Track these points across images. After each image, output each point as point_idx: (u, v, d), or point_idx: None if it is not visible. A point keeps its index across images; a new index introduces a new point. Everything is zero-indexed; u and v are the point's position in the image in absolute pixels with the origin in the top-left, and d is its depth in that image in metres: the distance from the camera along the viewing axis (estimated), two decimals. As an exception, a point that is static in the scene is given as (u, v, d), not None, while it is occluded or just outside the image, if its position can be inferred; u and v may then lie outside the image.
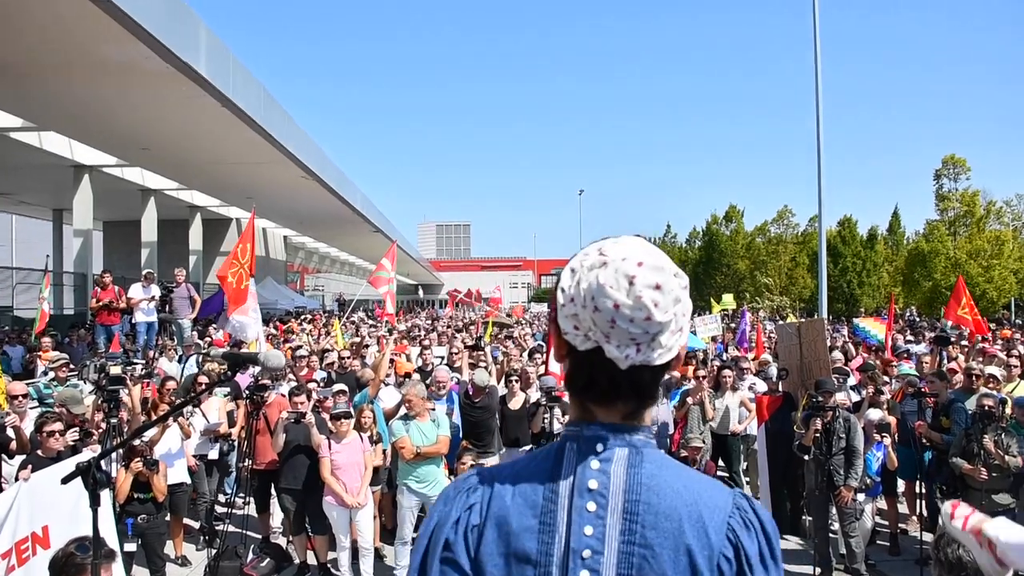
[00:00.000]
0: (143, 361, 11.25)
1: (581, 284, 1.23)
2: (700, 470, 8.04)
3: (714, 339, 16.79)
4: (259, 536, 8.20)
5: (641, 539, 1.20)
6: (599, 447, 1.26)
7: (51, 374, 9.79)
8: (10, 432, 6.50)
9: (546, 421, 8.21)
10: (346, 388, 8.52)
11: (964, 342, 13.93)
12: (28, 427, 6.85)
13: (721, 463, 10.10)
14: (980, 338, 13.62)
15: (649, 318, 1.19)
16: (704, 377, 9.95)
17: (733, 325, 22.39)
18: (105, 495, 4.07)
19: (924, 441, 8.08)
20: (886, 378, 9.93)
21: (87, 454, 5.77)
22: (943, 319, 15.27)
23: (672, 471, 1.27)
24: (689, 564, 1.20)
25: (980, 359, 10.74)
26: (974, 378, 8.09)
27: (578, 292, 1.23)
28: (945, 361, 9.87)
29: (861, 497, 7.59)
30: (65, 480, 2.81)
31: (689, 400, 9.65)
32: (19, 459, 6.46)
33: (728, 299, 31.70)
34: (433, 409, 7.74)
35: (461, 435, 8.43)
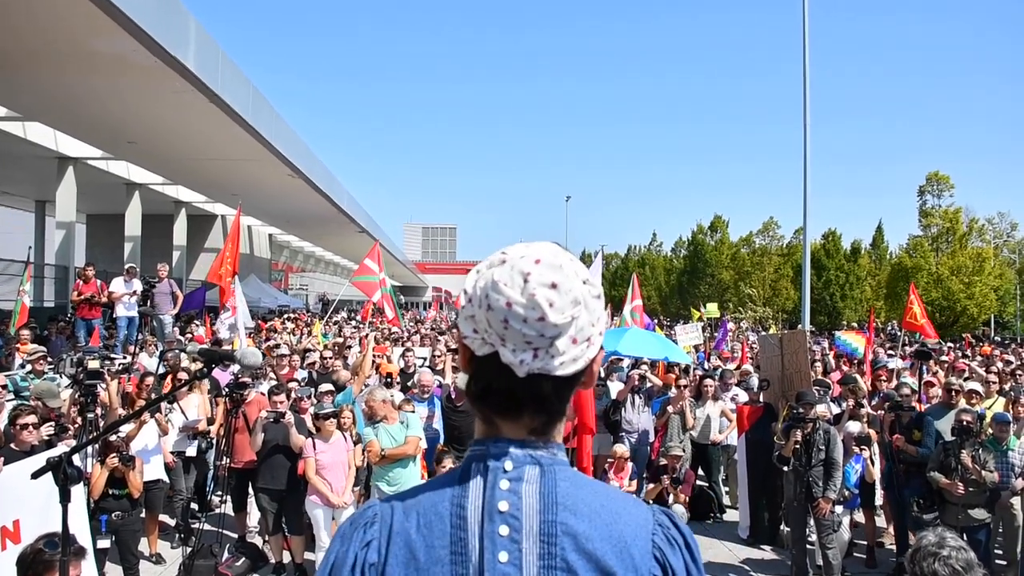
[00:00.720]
0: (122, 356, 11.16)
1: (478, 283, 1.16)
2: (679, 479, 8.11)
3: (696, 348, 16.83)
4: (235, 535, 8.14)
5: (562, 562, 1.12)
6: (507, 465, 1.17)
7: (28, 367, 9.68)
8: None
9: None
10: (332, 388, 8.50)
11: (944, 358, 14.04)
12: (2, 420, 6.76)
13: (700, 472, 10.13)
14: (960, 354, 13.74)
15: (543, 318, 1.10)
16: (685, 386, 9.97)
17: (716, 334, 22.48)
18: (78, 491, 4.03)
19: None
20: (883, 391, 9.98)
21: (61, 448, 5.70)
22: (903, 330, 15.38)
23: (588, 489, 1.19)
24: None
25: (961, 374, 10.82)
26: (953, 393, 8.14)
27: (475, 292, 1.16)
28: (925, 374, 9.92)
29: (839, 509, 7.62)
30: (36, 474, 2.76)
31: (670, 409, 9.68)
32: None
33: (712, 308, 31.83)
34: (413, 411, 7.71)
35: (441, 439, 8.39)
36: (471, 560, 1.12)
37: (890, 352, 16.00)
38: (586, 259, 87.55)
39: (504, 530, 1.13)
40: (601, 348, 1.22)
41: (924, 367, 10.07)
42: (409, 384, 9.81)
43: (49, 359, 9.89)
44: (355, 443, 7.61)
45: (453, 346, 13.50)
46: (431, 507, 1.17)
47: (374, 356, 10.60)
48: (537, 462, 1.17)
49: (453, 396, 8.65)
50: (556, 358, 1.13)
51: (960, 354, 18.21)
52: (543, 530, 1.13)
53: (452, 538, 1.14)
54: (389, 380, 9.48)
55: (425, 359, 12.19)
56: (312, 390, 8.67)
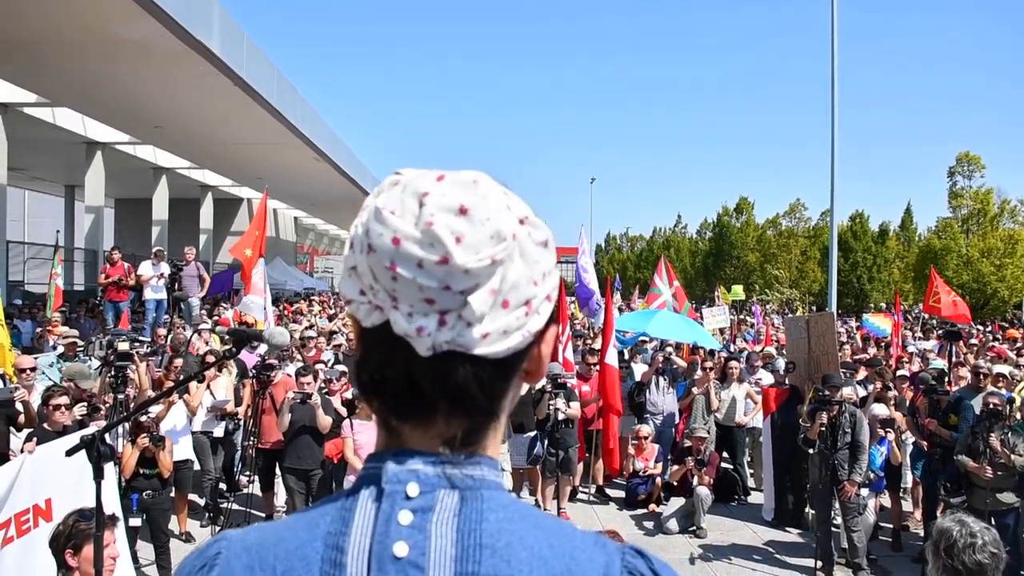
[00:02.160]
0: (149, 339, 11.31)
1: (360, 218, 0.79)
2: (704, 460, 8.06)
3: (722, 331, 16.73)
4: (263, 515, 8.25)
5: None
6: (411, 489, 0.77)
7: (59, 348, 9.84)
8: (19, 406, 6.54)
9: (551, 408, 8.23)
10: (346, 370, 8.59)
11: (973, 340, 13.88)
12: (35, 401, 6.90)
13: (725, 454, 10.11)
14: (991, 336, 13.59)
15: (446, 259, 0.72)
16: (711, 368, 9.94)
17: (741, 316, 22.32)
18: (109, 468, 4.10)
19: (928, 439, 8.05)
20: (905, 372, 9.89)
21: (93, 428, 5.81)
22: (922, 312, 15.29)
23: (529, 523, 0.79)
24: None
25: (988, 356, 10.69)
26: (982, 376, 8.03)
27: (355, 231, 0.79)
28: (955, 356, 9.82)
29: (864, 492, 7.58)
30: (70, 452, 2.82)
31: (695, 390, 9.66)
32: (27, 432, 6.52)
33: (738, 290, 31.63)
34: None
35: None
36: None
37: (919, 336, 15.84)
38: (611, 241, 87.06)
39: None
40: (554, 324, 0.84)
41: (953, 348, 9.96)
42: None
43: (80, 343, 10.05)
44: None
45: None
46: (296, 549, 0.78)
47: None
48: (455, 485, 0.79)
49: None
50: (474, 327, 0.75)
51: (991, 336, 17.98)
52: None
53: None
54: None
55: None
56: (339, 371, 8.75)
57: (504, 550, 0.76)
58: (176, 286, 14.62)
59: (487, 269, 0.74)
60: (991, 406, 6.94)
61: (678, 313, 13.62)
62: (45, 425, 6.08)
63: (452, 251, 0.72)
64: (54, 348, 10.50)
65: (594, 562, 0.79)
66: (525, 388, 0.90)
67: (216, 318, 15.33)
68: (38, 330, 13.32)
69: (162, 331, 12.21)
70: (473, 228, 0.74)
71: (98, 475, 2.74)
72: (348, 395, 8.04)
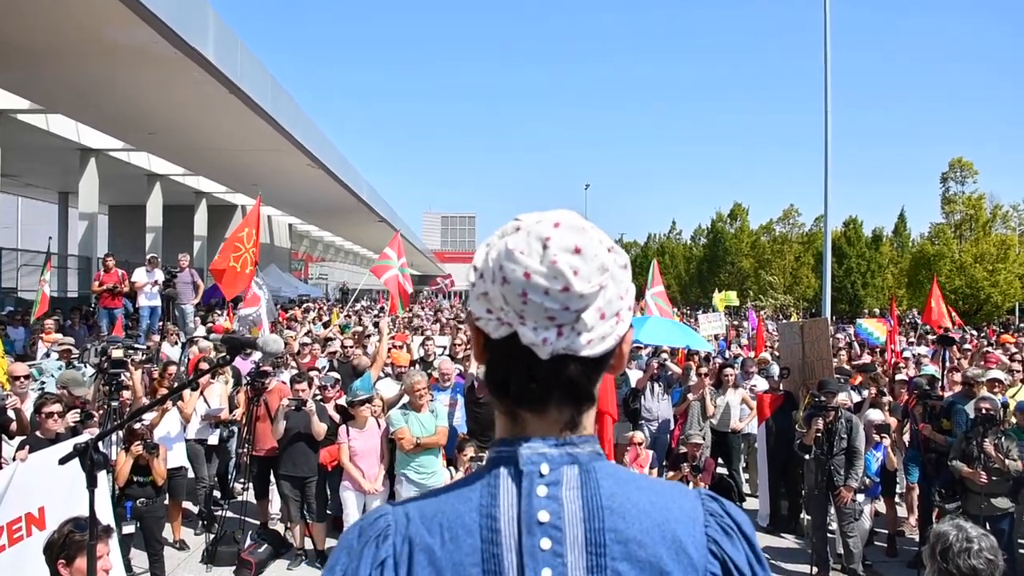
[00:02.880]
0: (144, 346, 11.27)
1: (490, 255, 1.03)
2: (699, 467, 8.06)
3: (716, 336, 16.74)
4: (257, 522, 8.22)
5: (613, 574, 0.99)
6: (543, 468, 1.03)
7: (53, 355, 9.80)
8: (11, 413, 6.51)
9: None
10: (339, 377, 8.58)
11: (967, 346, 13.90)
12: (28, 409, 6.86)
13: (720, 460, 10.10)
14: (986, 342, 13.61)
15: (567, 288, 0.98)
16: (706, 374, 9.94)
17: (735, 322, 22.33)
18: (102, 477, 4.08)
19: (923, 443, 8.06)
20: (904, 377, 9.90)
21: (85, 436, 5.78)
22: (921, 322, 15.33)
23: (633, 486, 1.06)
24: None
25: (982, 364, 10.71)
26: (974, 383, 8.02)
27: (487, 265, 1.03)
28: (949, 362, 9.83)
29: (860, 498, 7.59)
30: (63, 460, 2.81)
31: (690, 396, 9.65)
32: (19, 440, 6.48)
33: (731, 296, 31.65)
34: (433, 399, 7.75)
35: (465, 428, 8.39)
36: None
37: (912, 341, 15.87)
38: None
39: (546, 543, 1.00)
40: (631, 326, 1.10)
41: (947, 354, 9.97)
42: (429, 372, 9.84)
43: (74, 350, 10.02)
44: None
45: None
46: (456, 518, 1.02)
47: (392, 345, 10.65)
48: (575, 460, 1.04)
49: (476, 387, 8.61)
50: (583, 335, 1.01)
51: (986, 342, 18.02)
52: (589, 539, 1.01)
53: (484, 554, 1.00)
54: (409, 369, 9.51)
55: (445, 348, 12.22)
56: (334, 377, 8.74)
57: (619, 509, 1.02)
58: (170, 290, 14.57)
59: (595, 293, 1.00)
60: (984, 411, 6.96)
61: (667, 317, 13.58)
62: (38, 433, 6.05)
63: (572, 282, 0.98)
64: (47, 355, 10.46)
65: (683, 510, 1.06)
66: None
67: (210, 325, 15.29)
68: (29, 337, 13.28)
69: (156, 338, 12.18)
70: (585, 264, 0.99)
71: (91, 484, 2.72)
72: (342, 401, 8.03)
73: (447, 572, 1.00)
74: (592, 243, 1.01)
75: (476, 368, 9.04)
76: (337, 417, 7.76)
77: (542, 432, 1.05)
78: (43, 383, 8.33)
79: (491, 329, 1.04)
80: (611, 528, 1.01)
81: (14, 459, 5.51)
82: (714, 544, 1.06)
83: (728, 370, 10.25)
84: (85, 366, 9.44)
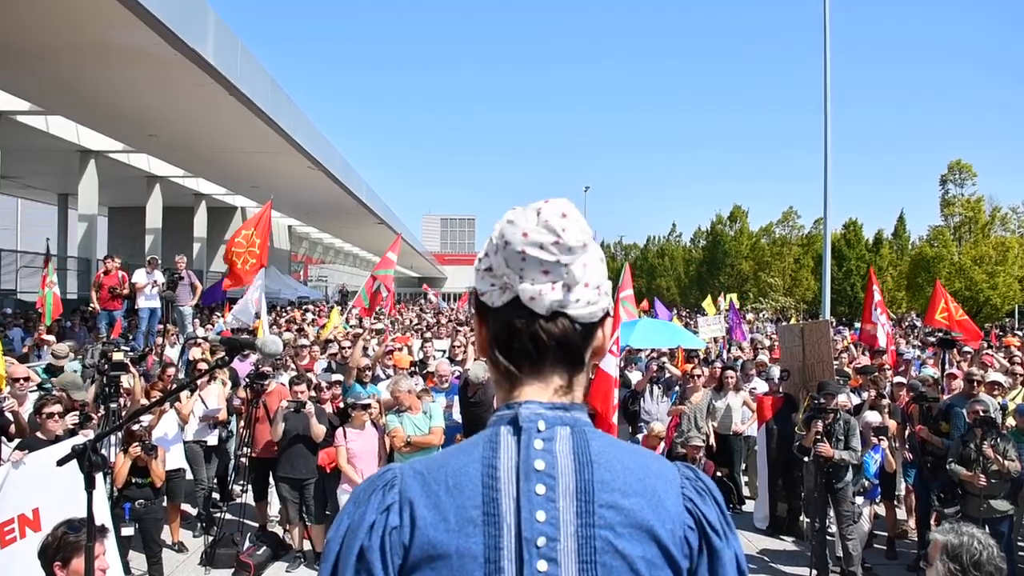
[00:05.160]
0: (142, 348, 11.26)
1: (493, 234, 1.20)
2: (699, 469, 8.07)
3: (716, 340, 16.73)
4: (256, 524, 8.21)
5: (600, 519, 1.11)
6: (540, 425, 1.16)
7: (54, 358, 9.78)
8: (8, 415, 6.51)
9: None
10: (341, 378, 8.57)
11: (967, 348, 13.88)
12: (27, 410, 6.86)
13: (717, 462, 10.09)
14: (986, 345, 13.57)
15: (558, 241, 1.14)
16: (699, 376, 9.95)
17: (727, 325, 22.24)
18: (99, 478, 4.08)
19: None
20: (901, 379, 9.89)
21: (81, 437, 5.77)
22: (923, 324, 15.25)
23: (617, 447, 1.19)
24: (652, 539, 1.13)
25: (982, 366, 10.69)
26: (975, 384, 8.03)
27: (491, 242, 1.20)
28: (948, 365, 9.80)
29: (859, 500, 7.58)
30: (61, 461, 2.80)
31: (693, 400, 9.63)
32: (17, 441, 6.48)
33: (732, 299, 31.58)
34: (432, 401, 7.75)
35: (462, 430, 8.39)
36: (505, 520, 1.10)
37: (912, 344, 15.85)
38: (606, 250, 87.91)
39: (540, 489, 1.12)
40: (609, 317, 1.26)
41: (947, 357, 9.95)
42: (426, 374, 9.85)
43: (72, 353, 9.99)
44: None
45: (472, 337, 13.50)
46: (460, 468, 1.14)
47: (393, 347, 10.66)
48: (567, 423, 1.17)
49: (469, 387, 8.58)
50: (572, 291, 1.17)
51: (986, 344, 17.99)
52: (580, 487, 1.13)
53: (484, 498, 1.11)
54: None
55: (444, 351, 12.23)
56: (332, 379, 8.73)
57: (606, 464, 1.15)
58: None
59: (581, 249, 1.17)
60: (980, 414, 6.95)
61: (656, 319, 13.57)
62: (38, 433, 6.04)
63: (561, 235, 1.15)
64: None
65: (663, 470, 1.21)
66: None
67: (210, 327, 15.28)
68: (31, 339, 13.25)
69: (160, 340, 12.18)
70: (571, 223, 1.16)
71: (89, 485, 2.72)
72: (340, 404, 8.03)
73: (450, 514, 1.11)
74: (576, 213, 1.18)
75: (471, 367, 8.99)
76: (336, 420, 7.76)
77: (539, 397, 1.19)
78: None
79: (494, 299, 1.20)
80: (599, 479, 1.13)
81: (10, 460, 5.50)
82: (689, 503, 1.18)
83: (729, 372, 10.22)
84: (81, 364, 9.42)
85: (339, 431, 7.34)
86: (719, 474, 9.76)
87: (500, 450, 1.15)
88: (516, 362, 1.20)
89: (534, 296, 1.16)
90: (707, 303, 25.32)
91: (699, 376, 9.99)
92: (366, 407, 7.38)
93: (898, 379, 9.82)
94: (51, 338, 10.90)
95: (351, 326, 15.07)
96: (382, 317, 15.74)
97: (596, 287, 1.19)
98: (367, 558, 1.12)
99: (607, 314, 1.24)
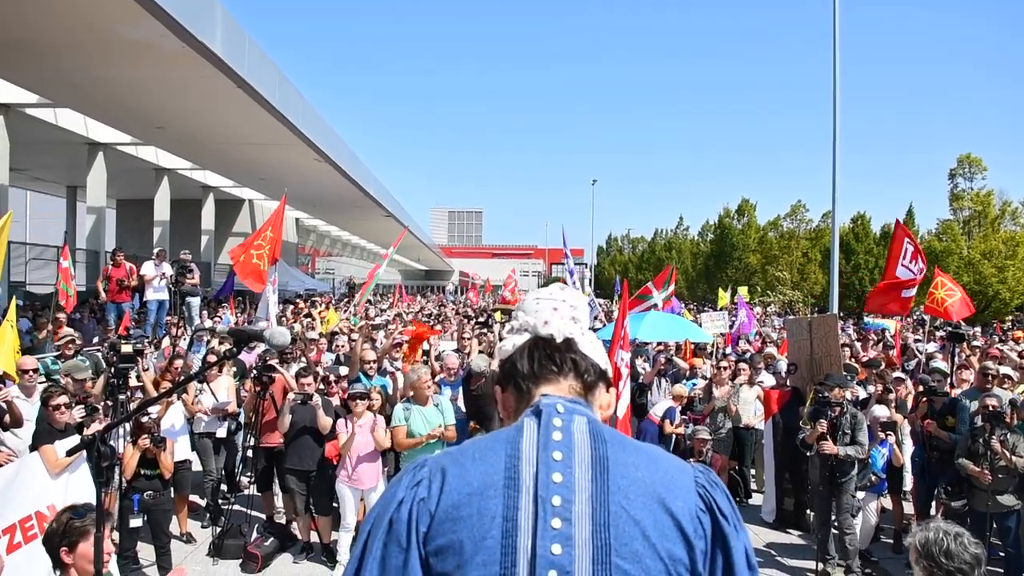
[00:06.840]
0: (150, 339, 11.29)
1: (517, 312, 1.52)
2: (705, 462, 8.03)
3: (721, 335, 16.68)
4: (263, 515, 8.24)
5: (615, 486, 1.22)
6: (560, 408, 1.32)
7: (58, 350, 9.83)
8: (2, 404, 6.53)
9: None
10: (347, 371, 8.59)
11: (976, 342, 13.82)
12: (35, 403, 6.88)
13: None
14: (997, 337, 13.49)
15: (562, 297, 1.50)
16: (725, 368, 9.90)
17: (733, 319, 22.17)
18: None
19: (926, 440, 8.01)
20: (900, 375, 9.85)
21: (92, 428, 5.80)
22: (922, 313, 15.12)
23: (630, 440, 1.33)
24: (665, 511, 1.22)
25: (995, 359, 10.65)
26: (989, 378, 7.94)
27: (516, 316, 1.51)
28: (957, 358, 9.76)
29: (860, 495, 7.57)
30: (70, 452, 2.82)
31: (716, 397, 9.59)
32: (28, 431, 6.51)
33: (742, 292, 31.49)
34: (439, 393, 7.75)
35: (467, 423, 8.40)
36: (524, 484, 1.22)
37: (918, 339, 15.77)
38: (613, 242, 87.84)
39: (558, 455, 1.24)
40: (609, 390, 1.48)
41: (957, 350, 9.91)
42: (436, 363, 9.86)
43: (79, 343, 10.03)
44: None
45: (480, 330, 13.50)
46: (488, 446, 1.29)
47: (401, 340, 10.67)
48: (583, 414, 1.33)
49: (472, 379, 8.57)
50: (578, 324, 1.47)
51: (997, 339, 17.91)
52: (596, 459, 1.25)
53: (507, 464, 1.25)
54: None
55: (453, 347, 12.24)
56: (339, 370, 8.75)
57: (618, 443, 1.29)
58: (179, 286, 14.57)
59: (576, 298, 1.52)
60: (990, 408, 6.90)
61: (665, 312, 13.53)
62: (50, 423, 6.07)
63: (561, 290, 1.53)
64: (57, 349, 10.48)
65: (674, 461, 1.33)
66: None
67: (218, 320, 15.31)
68: (42, 333, 13.27)
69: (175, 332, 12.23)
70: (566, 289, 1.55)
71: (98, 476, 2.73)
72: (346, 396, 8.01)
73: (474, 479, 1.24)
74: (567, 295, 1.52)
75: (474, 358, 8.98)
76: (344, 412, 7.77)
77: (557, 393, 1.38)
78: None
79: (517, 343, 1.46)
80: (613, 455, 1.26)
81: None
82: (702, 488, 1.29)
83: (742, 366, 10.18)
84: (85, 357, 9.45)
85: (340, 422, 7.33)
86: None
87: (523, 430, 1.29)
88: (536, 363, 1.41)
89: (548, 320, 1.44)
90: (721, 296, 25.19)
91: (725, 368, 9.94)
92: (363, 396, 7.35)
93: (897, 375, 9.74)
94: (71, 331, 10.83)
95: (357, 319, 15.09)
96: (370, 310, 15.73)
97: (591, 342, 1.46)
98: (395, 528, 1.24)
99: (607, 381, 1.47)
